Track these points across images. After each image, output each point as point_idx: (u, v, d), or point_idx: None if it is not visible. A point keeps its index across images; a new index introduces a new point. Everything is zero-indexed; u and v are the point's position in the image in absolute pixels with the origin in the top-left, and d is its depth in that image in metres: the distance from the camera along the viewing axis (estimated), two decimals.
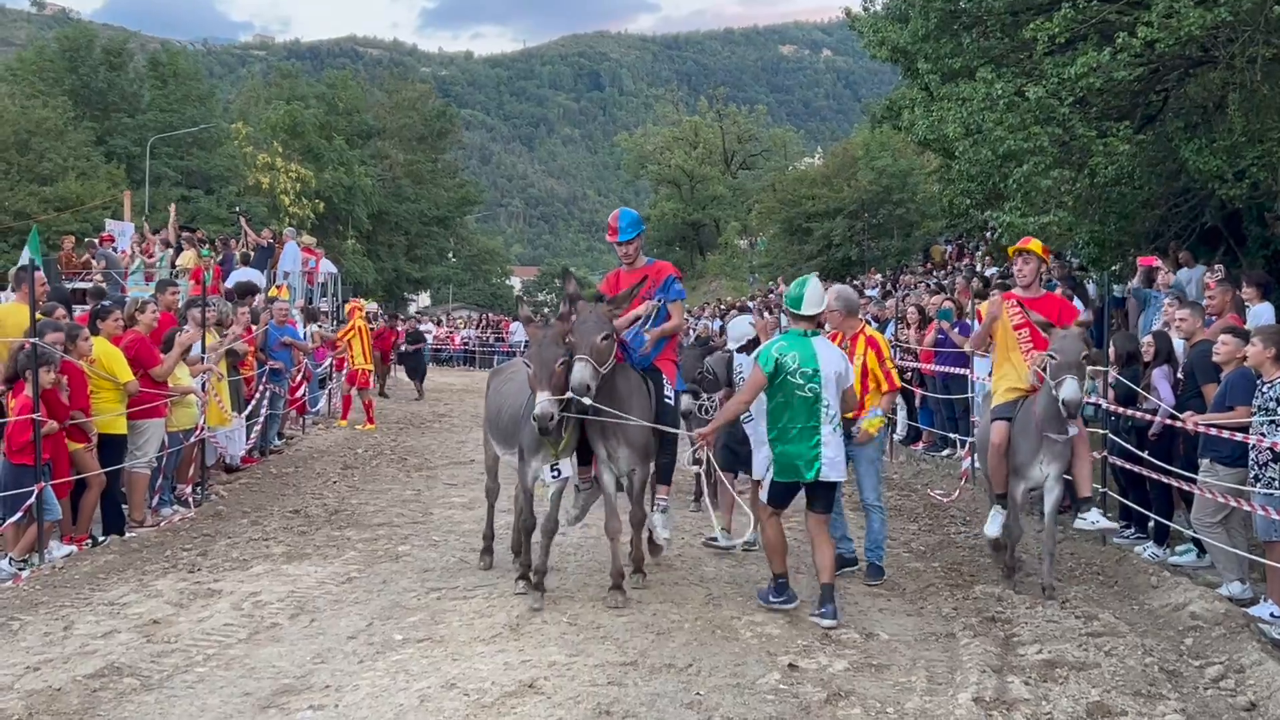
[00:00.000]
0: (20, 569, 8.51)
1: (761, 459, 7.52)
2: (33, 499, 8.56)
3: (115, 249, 21.88)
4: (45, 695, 5.73)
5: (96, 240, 22.66)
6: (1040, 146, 14.13)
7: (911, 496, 12.28)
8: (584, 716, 5.42)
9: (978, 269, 24.89)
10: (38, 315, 9.04)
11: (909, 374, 15.15)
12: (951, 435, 14.21)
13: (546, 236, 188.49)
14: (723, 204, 67.32)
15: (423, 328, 45.80)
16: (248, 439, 13.93)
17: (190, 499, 11.42)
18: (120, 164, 50.69)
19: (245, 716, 5.48)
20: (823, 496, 7.35)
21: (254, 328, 14.44)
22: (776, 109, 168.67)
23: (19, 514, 8.53)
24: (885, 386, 8.58)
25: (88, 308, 11.66)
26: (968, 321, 13.99)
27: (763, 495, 7.50)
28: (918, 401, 15.32)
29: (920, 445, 15.25)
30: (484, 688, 5.83)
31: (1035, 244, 8.65)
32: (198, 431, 11.51)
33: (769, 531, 7.46)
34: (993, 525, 8.45)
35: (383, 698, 5.71)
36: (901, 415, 16.08)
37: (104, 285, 16.77)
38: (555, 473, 7.51)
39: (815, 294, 7.38)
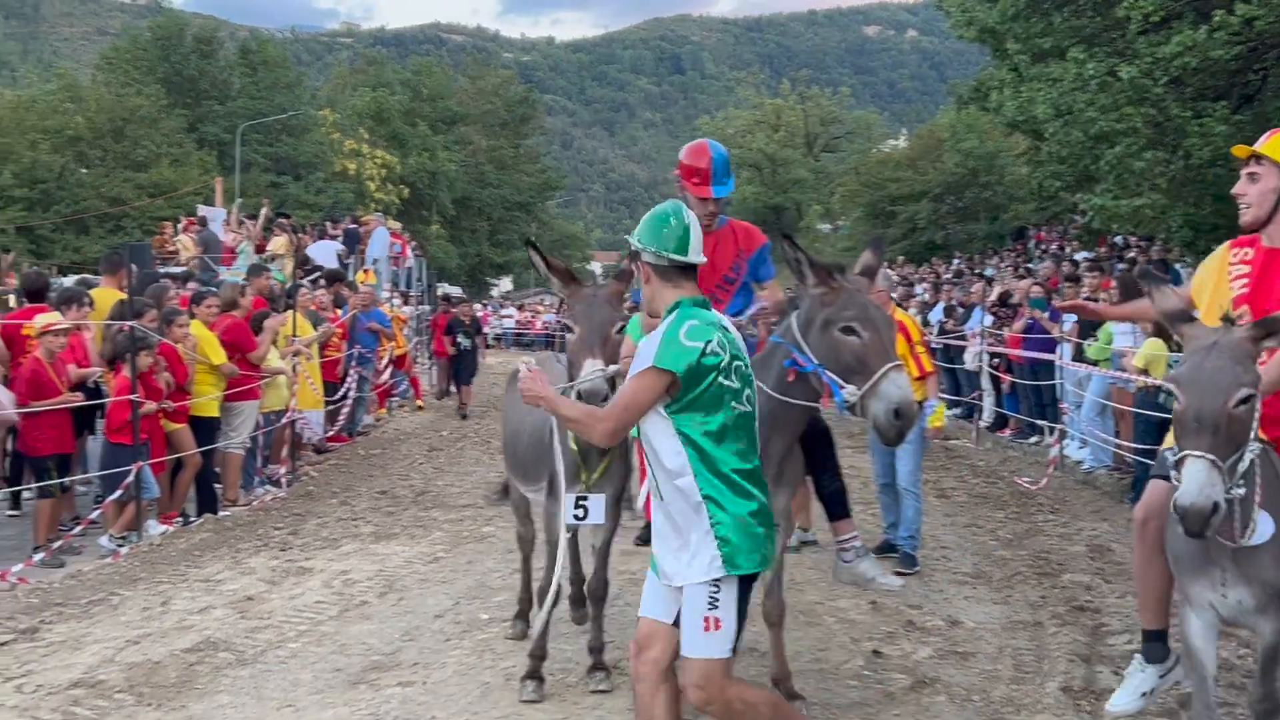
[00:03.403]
0: (119, 546, 8.78)
1: (688, 555, 4.05)
2: (131, 477, 8.82)
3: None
4: (145, 668, 5.91)
5: (198, 223, 23.11)
6: (1133, 128, 13.88)
7: (998, 484, 12.11)
8: None
9: (1066, 252, 24.45)
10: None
11: (996, 360, 14.96)
12: (1039, 422, 13.98)
13: (627, 221, 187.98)
14: (805, 187, 66.74)
15: (505, 312, 45.93)
16: (336, 421, 14.21)
17: (282, 479, 11.67)
18: (212, 150, 51.62)
19: (336, 692, 5.60)
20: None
21: (339, 312, 14.69)
22: (860, 91, 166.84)
23: (118, 492, 8.80)
24: (917, 372, 7.95)
25: (180, 292, 11.98)
26: (1056, 306, 13.75)
27: (723, 646, 4.02)
28: (1006, 388, 15.09)
29: (1007, 432, 15.03)
30: (568, 667, 5.89)
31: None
32: (288, 413, 11.76)
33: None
34: (1123, 694, 4.86)
35: (469, 676, 5.80)
36: (989, 402, 15.87)
37: (195, 270, 17.18)
38: (580, 512, 5.26)
39: (700, 231, 4.32)
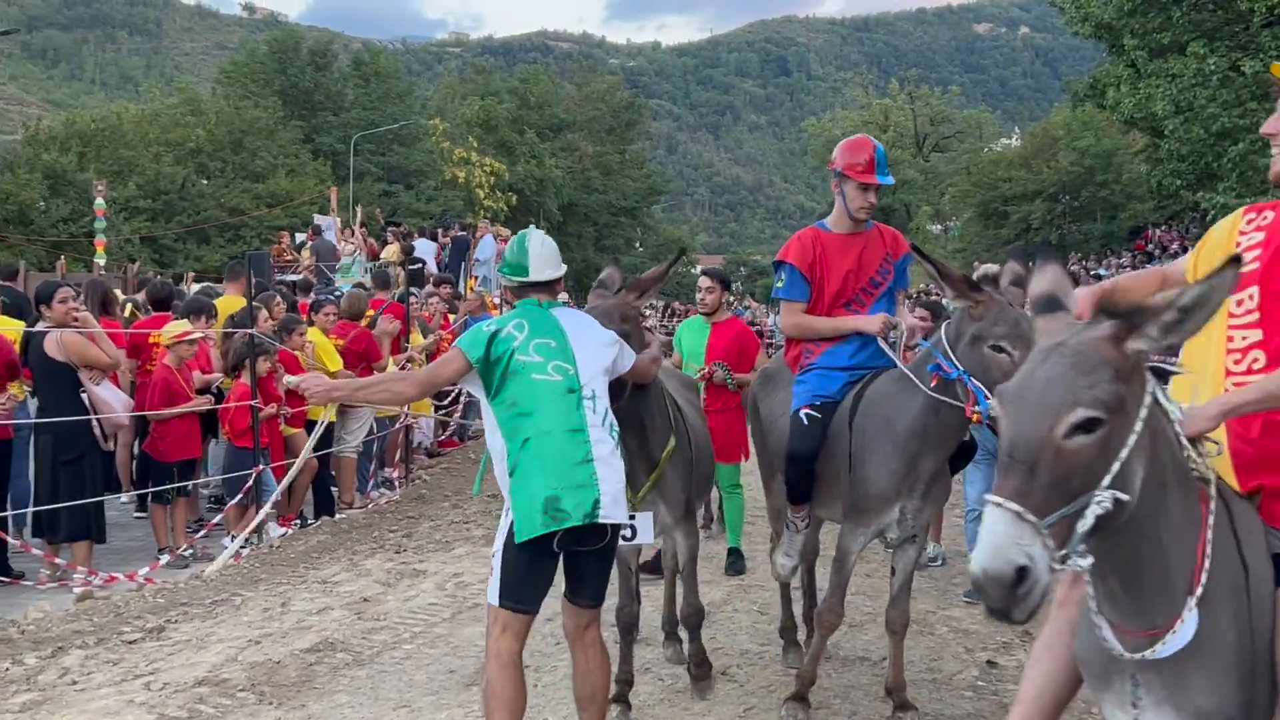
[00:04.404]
0: (241, 548, 9.04)
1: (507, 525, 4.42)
2: (251, 481, 9.09)
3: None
4: (266, 667, 6.06)
5: (312, 232, 23.67)
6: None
7: None
8: (774, 705, 5.42)
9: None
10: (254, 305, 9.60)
11: None
12: None
13: (732, 225, 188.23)
14: (914, 188, 65.95)
15: None
16: (447, 425, 14.45)
17: (395, 482, 11.90)
18: (326, 161, 52.76)
19: (450, 693, 5.69)
20: (593, 568, 4.57)
21: (451, 319, 14.92)
22: (971, 89, 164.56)
23: (239, 495, 9.07)
24: None
25: (298, 300, 12.31)
26: None
27: (493, 592, 4.42)
28: None
29: None
30: (678, 673, 5.89)
31: None
32: (402, 418, 11.99)
33: (495, 680, 4.41)
34: None
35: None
36: None
37: (313, 279, 17.63)
38: (628, 532, 4.99)
39: (545, 251, 4.68)
